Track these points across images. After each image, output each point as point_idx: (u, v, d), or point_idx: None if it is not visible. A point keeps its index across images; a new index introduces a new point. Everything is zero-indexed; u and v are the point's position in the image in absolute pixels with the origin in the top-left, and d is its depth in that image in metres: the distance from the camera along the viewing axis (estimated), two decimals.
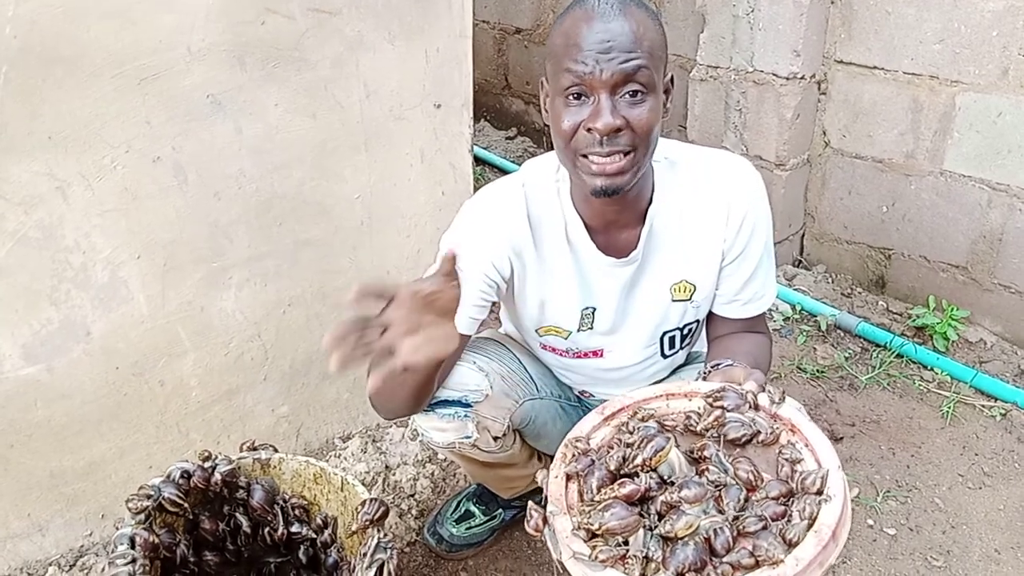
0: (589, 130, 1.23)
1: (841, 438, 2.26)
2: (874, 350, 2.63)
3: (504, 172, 3.79)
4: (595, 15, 1.22)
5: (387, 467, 2.03)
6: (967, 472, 2.14)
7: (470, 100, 1.98)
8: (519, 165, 1.52)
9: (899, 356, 2.58)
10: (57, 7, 1.41)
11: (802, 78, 2.83)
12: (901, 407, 2.39)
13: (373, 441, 2.10)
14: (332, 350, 0.97)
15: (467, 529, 1.85)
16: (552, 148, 1.36)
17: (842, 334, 2.73)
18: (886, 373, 2.52)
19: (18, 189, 1.48)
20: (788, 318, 2.80)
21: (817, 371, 2.53)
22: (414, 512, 1.94)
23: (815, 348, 2.65)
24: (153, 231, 1.65)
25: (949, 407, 2.35)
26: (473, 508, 1.87)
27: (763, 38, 2.83)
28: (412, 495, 1.98)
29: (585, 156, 1.26)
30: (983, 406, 2.36)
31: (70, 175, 1.52)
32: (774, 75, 2.85)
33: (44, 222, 1.53)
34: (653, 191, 1.42)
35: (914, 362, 2.57)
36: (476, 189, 1.57)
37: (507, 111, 4.55)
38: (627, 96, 1.22)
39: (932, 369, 2.52)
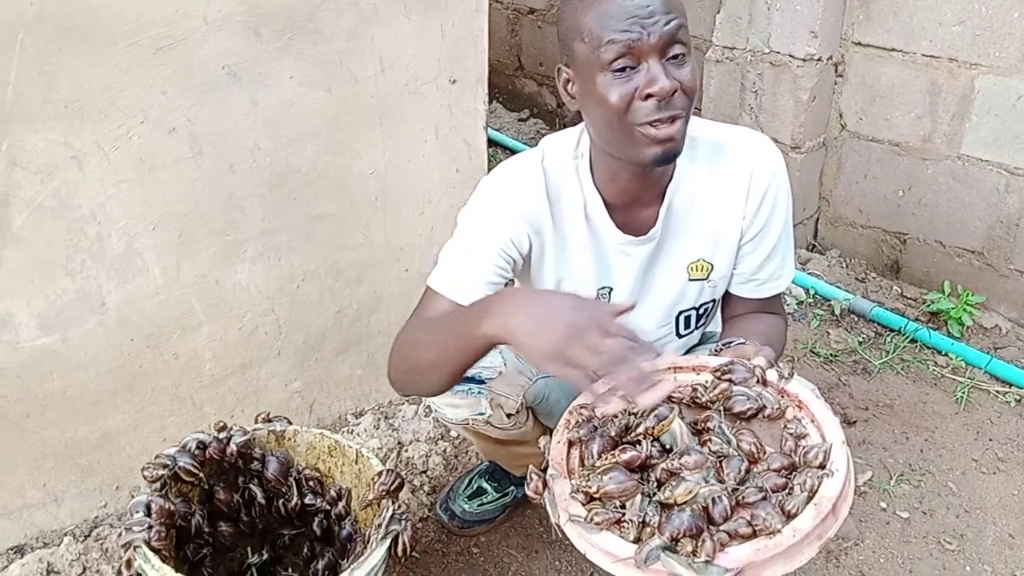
0: (647, 97, 1.20)
1: (854, 422, 2.25)
2: (888, 335, 2.62)
3: (516, 154, 3.77)
4: None
5: (400, 443, 2.03)
6: (981, 457, 2.13)
7: (485, 76, 1.97)
8: (532, 147, 1.50)
9: (913, 341, 2.57)
10: None
11: (819, 60, 2.81)
12: (915, 392, 2.38)
13: (386, 418, 2.10)
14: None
15: (479, 506, 1.85)
16: (564, 128, 1.34)
17: (856, 319, 2.72)
18: (900, 358, 2.50)
19: (34, 158, 1.48)
20: (802, 302, 2.78)
21: (830, 355, 2.52)
22: (426, 488, 1.95)
23: (828, 332, 2.64)
24: (168, 202, 1.64)
25: (963, 392, 2.33)
26: (485, 485, 1.87)
27: (780, 19, 2.81)
28: (424, 471, 1.98)
29: (646, 125, 1.22)
30: (998, 392, 2.35)
31: (86, 144, 1.52)
32: (791, 56, 2.82)
33: (60, 192, 1.52)
34: (673, 168, 1.41)
35: (928, 347, 2.55)
36: (489, 169, 1.56)
37: (520, 92, 4.52)
38: (672, 58, 1.21)
39: (946, 354, 2.51)
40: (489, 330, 1.13)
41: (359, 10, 1.73)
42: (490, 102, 4.37)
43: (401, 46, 1.81)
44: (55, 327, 1.60)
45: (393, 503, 1.34)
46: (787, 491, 1.03)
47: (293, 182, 1.78)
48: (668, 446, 1.12)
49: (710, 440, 1.12)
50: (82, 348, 1.65)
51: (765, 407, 1.16)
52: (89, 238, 1.58)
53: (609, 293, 1.50)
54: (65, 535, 1.74)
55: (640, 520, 1.02)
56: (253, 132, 1.69)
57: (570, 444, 1.15)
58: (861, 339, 2.59)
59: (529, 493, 1.12)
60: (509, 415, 1.53)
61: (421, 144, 1.93)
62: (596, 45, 1.21)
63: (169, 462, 1.34)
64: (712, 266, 1.48)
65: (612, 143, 1.30)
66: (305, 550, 1.55)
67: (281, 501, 1.49)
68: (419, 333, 1.33)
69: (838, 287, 2.83)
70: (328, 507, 1.49)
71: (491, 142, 3.86)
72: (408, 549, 1.30)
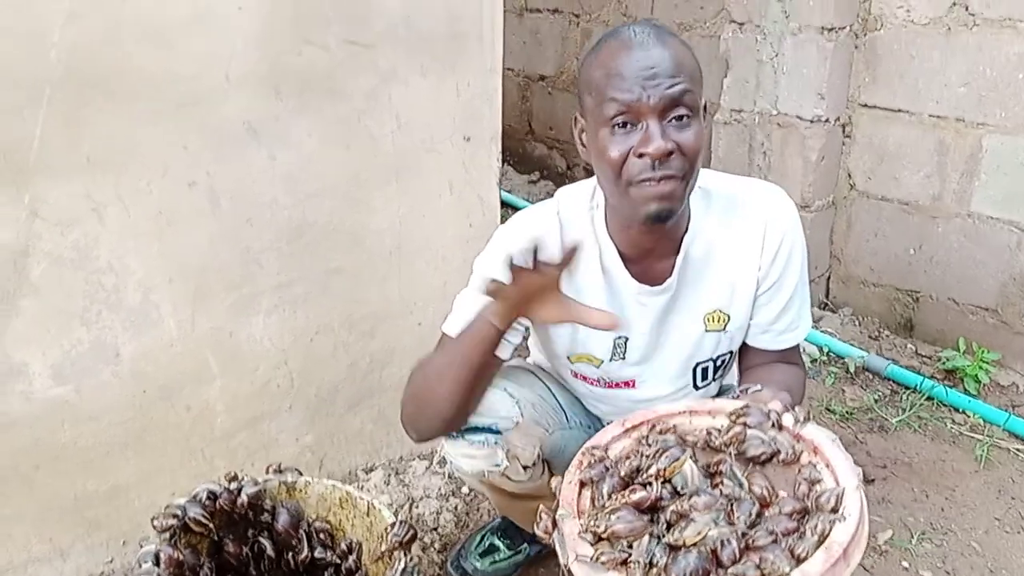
0: (640, 156, 1.23)
1: (873, 480, 2.21)
2: (903, 392, 2.59)
3: None
4: (634, 44, 1.24)
5: (410, 500, 2.01)
6: (1004, 516, 2.08)
7: (499, 133, 2.01)
8: None
9: (930, 399, 2.53)
10: (99, 32, 1.45)
11: (827, 121, 2.85)
12: (933, 450, 2.34)
13: (396, 473, 2.07)
14: None
15: (492, 564, 1.81)
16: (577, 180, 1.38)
17: (871, 376, 2.69)
18: (917, 415, 2.47)
19: (55, 209, 1.50)
20: (816, 360, 2.76)
21: (846, 413, 2.49)
22: (437, 546, 1.91)
23: (843, 390, 2.62)
24: (186, 255, 1.66)
25: (983, 450, 2.29)
26: (498, 542, 1.84)
27: (787, 82, 2.86)
28: (435, 528, 1.95)
29: (637, 183, 1.26)
30: (1018, 450, 2.31)
31: (107, 197, 1.55)
32: (798, 118, 2.87)
33: (79, 243, 1.54)
34: (689, 220, 1.42)
35: (945, 405, 2.52)
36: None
37: (530, 156, 4.60)
38: (674, 120, 1.24)
39: (964, 412, 2.47)
40: (492, 316, 1.30)
41: (377, 70, 1.77)
42: (502, 165, 4.45)
43: (417, 105, 1.85)
44: (69, 377, 1.60)
45: (405, 555, 1.31)
46: (798, 535, 1.02)
47: (310, 236, 1.80)
48: (679, 488, 1.12)
49: (722, 483, 1.11)
50: (95, 399, 1.64)
51: (779, 451, 1.15)
52: (106, 289, 1.60)
53: (625, 343, 1.50)
54: None
55: (647, 561, 1.01)
56: (271, 187, 1.72)
57: (581, 485, 1.15)
58: (877, 397, 2.57)
59: (539, 533, 1.12)
60: (525, 467, 1.51)
61: (436, 200, 1.96)
62: (600, 101, 1.25)
63: (179, 512, 1.33)
64: (729, 317, 1.48)
65: (612, 196, 1.34)
66: None
67: (291, 554, 1.46)
68: (428, 364, 1.38)
69: (852, 345, 2.81)
70: (339, 561, 1.47)
71: (503, 203, 3.90)
72: None
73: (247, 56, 1.61)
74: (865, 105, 2.86)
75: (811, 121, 2.84)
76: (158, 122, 1.55)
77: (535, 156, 4.58)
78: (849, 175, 2.97)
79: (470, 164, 1.98)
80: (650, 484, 1.09)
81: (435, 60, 1.84)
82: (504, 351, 1.42)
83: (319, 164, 1.77)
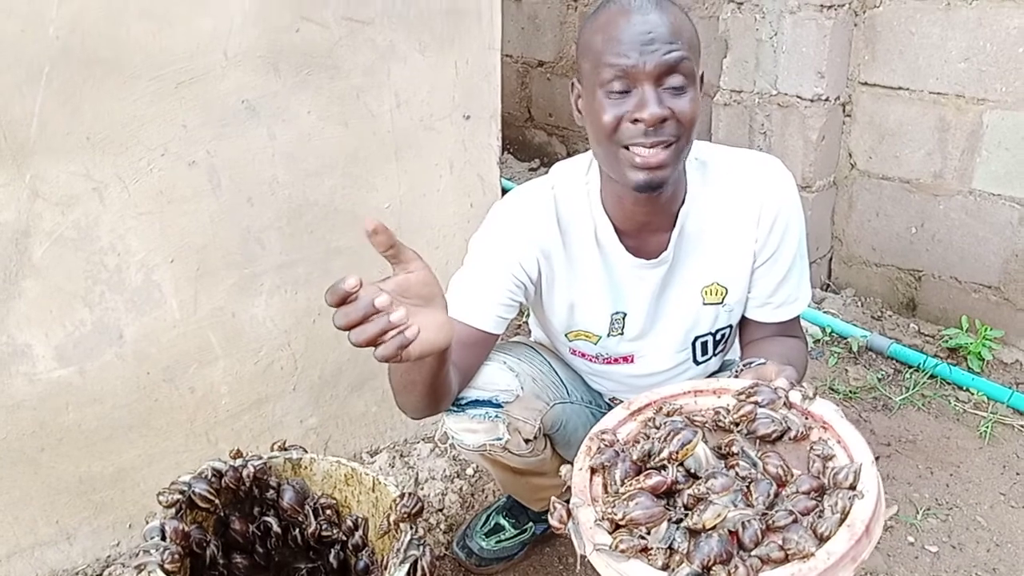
0: (635, 121, 1.23)
1: (877, 457, 2.19)
2: (907, 372, 2.59)
3: None
4: (632, 9, 1.23)
5: (416, 481, 2.00)
6: (1009, 491, 2.08)
7: (498, 112, 2.00)
8: None
9: (933, 377, 2.53)
10: (98, 9, 1.44)
11: (827, 100, 2.84)
12: (937, 427, 2.34)
13: (401, 456, 2.07)
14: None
15: (497, 543, 1.82)
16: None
17: (874, 356, 2.69)
18: (920, 394, 2.47)
19: (56, 189, 1.50)
20: (818, 340, 2.76)
21: (850, 392, 2.49)
22: (443, 527, 1.91)
23: (847, 370, 2.61)
24: (187, 235, 1.66)
25: (987, 427, 2.29)
26: (503, 521, 1.84)
27: (787, 61, 2.85)
28: (440, 509, 1.95)
29: (628, 148, 1.25)
30: (1022, 426, 2.31)
31: (107, 176, 1.54)
32: (798, 97, 2.86)
33: (80, 223, 1.54)
34: (685, 192, 1.41)
35: (948, 383, 2.52)
36: None
37: (530, 143, 4.58)
38: (670, 87, 1.23)
39: (967, 390, 2.47)
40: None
41: (375, 47, 1.77)
42: (502, 152, 4.43)
43: (416, 82, 1.85)
44: (72, 359, 1.60)
45: (412, 528, 1.31)
46: (818, 513, 1.00)
47: (310, 215, 1.80)
48: (693, 471, 1.10)
49: (737, 464, 1.09)
50: (99, 381, 1.64)
51: (790, 429, 1.13)
52: (108, 270, 1.59)
53: (623, 319, 1.49)
54: (77, 574, 1.71)
55: (667, 546, 0.99)
56: (271, 165, 1.72)
57: (592, 471, 1.12)
58: (880, 376, 2.56)
59: (553, 523, 1.08)
60: (527, 440, 1.51)
61: (436, 179, 1.95)
62: (597, 65, 1.25)
63: (185, 488, 1.32)
64: (726, 290, 1.48)
65: (604, 162, 1.33)
66: None
67: (298, 530, 1.46)
68: (391, 371, 1.30)
69: (855, 325, 2.81)
70: (344, 538, 1.46)
71: (503, 191, 3.89)
72: (427, 575, 1.27)
73: (245, 33, 1.60)
74: (865, 83, 2.85)
75: (811, 100, 2.83)
76: (157, 100, 1.55)
77: (535, 143, 4.57)
78: (850, 154, 2.96)
79: (470, 143, 1.97)
80: (665, 468, 1.07)
81: (433, 37, 1.83)
82: (498, 327, 1.41)
83: (318, 141, 1.76)
